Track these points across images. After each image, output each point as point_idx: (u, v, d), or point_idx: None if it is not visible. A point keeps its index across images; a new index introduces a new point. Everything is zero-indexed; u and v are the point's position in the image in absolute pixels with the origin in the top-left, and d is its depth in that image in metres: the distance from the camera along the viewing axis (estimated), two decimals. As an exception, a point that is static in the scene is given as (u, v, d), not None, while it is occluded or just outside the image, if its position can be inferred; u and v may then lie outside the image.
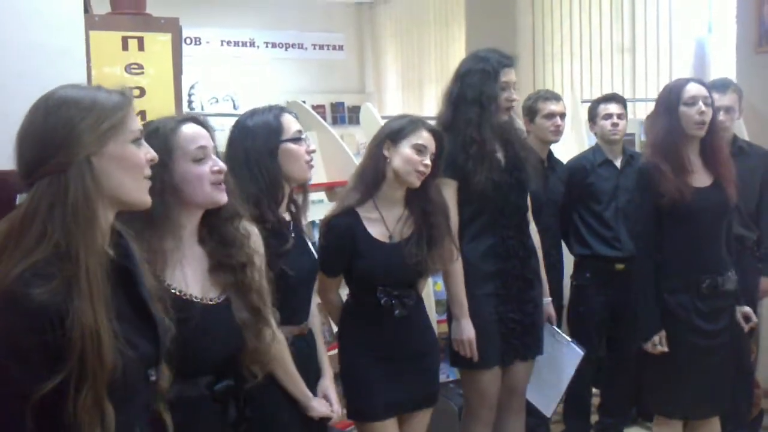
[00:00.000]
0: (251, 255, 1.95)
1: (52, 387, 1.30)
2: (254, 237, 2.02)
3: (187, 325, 1.74)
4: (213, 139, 1.94)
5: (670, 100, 2.99)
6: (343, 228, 2.58)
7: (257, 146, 2.27)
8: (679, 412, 3.07)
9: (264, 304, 1.95)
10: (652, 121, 3.13)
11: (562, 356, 3.27)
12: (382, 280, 2.60)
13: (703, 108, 2.93)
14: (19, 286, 1.31)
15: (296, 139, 2.31)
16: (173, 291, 1.81)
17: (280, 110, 2.34)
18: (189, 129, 1.88)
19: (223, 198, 1.88)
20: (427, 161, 2.60)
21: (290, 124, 2.32)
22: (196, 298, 1.84)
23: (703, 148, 3.00)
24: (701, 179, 2.98)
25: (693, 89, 2.96)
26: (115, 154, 1.43)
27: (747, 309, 3.12)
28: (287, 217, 2.36)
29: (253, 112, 2.35)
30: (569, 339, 3.32)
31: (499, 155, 3.00)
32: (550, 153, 3.90)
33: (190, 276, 1.86)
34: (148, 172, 1.50)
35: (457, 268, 2.91)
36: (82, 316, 1.31)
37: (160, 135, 1.83)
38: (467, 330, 2.92)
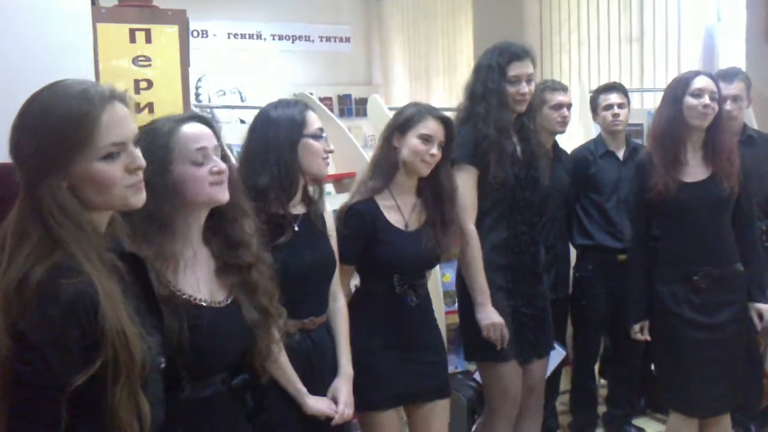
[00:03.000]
0: (257, 254, 1.94)
1: (87, 380, 1.32)
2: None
3: (199, 331, 1.75)
4: (217, 136, 1.90)
5: (677, 90, 2.98)
6: (364, 214, 2.59)
7: (279, 137, 2.28)
8: (695, 408, 3.04)
9: (271, 302, 1.95)
10: (656, 112, 3.12)
11: None
12: (399, 268, 2.61)
13: (708, 101, 2.92)
14: (50, 279, 1.32)
15: (317, 136, 2.34)
16: (183, 297, 1.80)
17: (305, 106, 2.36)
18: (189, 129, 1.85)
19: (224, 196, 1.85)
20: (434, 150, 2.60)
21: (313, 121, 2.34)
22: (204, 302, 1.83)
23: (706, 141, 2.99)
24: (696, 173, 2.97)
25: (701, 82, 2.95)
26: (80, 174, 1.39)
27: (761, 306, 3.05)
28: (297, 210, 2.36)
29: (278, 104, 2.36)
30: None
31: (518, 151, 3.00)
32: (556, 143, 3.89)
33: (198, 279, 1.85)
34: (130, 180, 1.44)
35: (476, 254, 2.90)
36: (108, 314, 1.33)
37: (158, 137, 1.81)
38: (491, 314, 2.90)
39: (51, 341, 1.31)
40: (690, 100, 2.93)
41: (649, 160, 3.00)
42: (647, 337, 3.08)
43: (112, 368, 1.33)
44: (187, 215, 1.84)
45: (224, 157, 1.90)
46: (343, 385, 2.37)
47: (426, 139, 2.60)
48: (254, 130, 2.34)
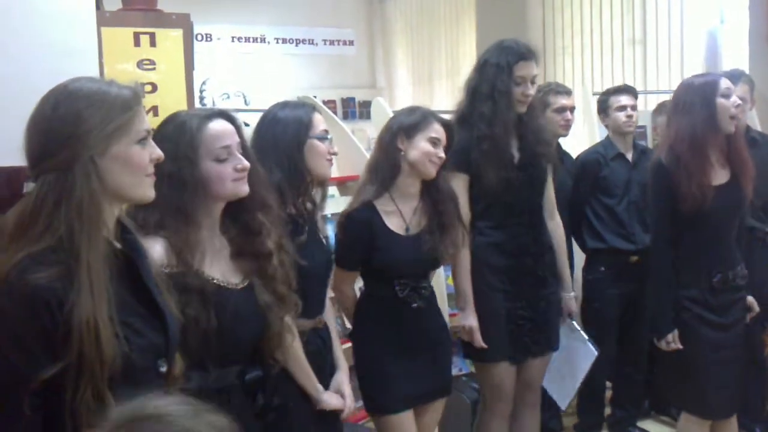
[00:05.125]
0: (277, 243, 2.00)
1: (51, 376, 1.31)
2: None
3: (224, 313, 1.81)
4: (240, 133, 1.97)
5: (706, 92, 2.91)
6: (363, 221, 2.62)
7: (287, 137, 2.33)
8: (712, 411, 3.03)
9: (289, 290, 2.01)
10: (680, 116, 2.97)
11: (578, 353, 3.26)
12: (400, 272, 2.64)
13: (738, 101, 2.92)
14: (17, 272, 1.33)
15: (322, 138, 2.38)
16: (212, 281, 1.86)
17: (312, 108, 2.43)
18: (216, 126, 1.91)
19: (244, 190, 1.93)
20: (441, 153, 2.68)
21: (319, 122, 2.40)
22: (222, 283, 1.88)
23: (725, 144, 2.97)
24: (719, 176, 2.96)
25: (727, 82, 2.94)
26: (118, 155, 1.44)
27: (749, 298, 3.10)
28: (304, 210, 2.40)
29: (285, 104, 2.43)
30: (587, 337, 3.31)
31: (514, 150, 2.99)
32: (559, 146, 3.90)
33: (215, 264, 1.90)
34: (151, 170, 1.51)
35: (464, 261, 2.95)
36: (82, 309, 1.33)
37: (186, 131, 1.87)
38: (468, 318, 2.97)
39: (9, 337, 1.32)
40: (722, 102, 2.89)
41: (677, 167, 2.89)
42: (679, 345, 2.96)
43: (76, 366, 1.33)
44: (210, 207, 1.91)
45: (245, 151, 1.97)
46: (345, 378, 2.47)
47: (435, 142, 2.66)
48: (261, 129, 2.39)
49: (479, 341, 2.95)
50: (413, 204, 2.71)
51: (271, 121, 2.38)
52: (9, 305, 1.32)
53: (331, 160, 2.42)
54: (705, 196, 2.86)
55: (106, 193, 1.43)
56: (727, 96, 2.90)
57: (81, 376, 1.33)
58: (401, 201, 2.69)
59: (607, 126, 4.03)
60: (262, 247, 1.95)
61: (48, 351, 1.32)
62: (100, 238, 1.41)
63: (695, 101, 2.93)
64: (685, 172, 2.87)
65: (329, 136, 2.43)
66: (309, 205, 2.42)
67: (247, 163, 1.93)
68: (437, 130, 2.68)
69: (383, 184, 2.67)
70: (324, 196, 2.49)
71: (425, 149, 2.65)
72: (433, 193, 2.73)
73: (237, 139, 1.94)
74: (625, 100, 3.89)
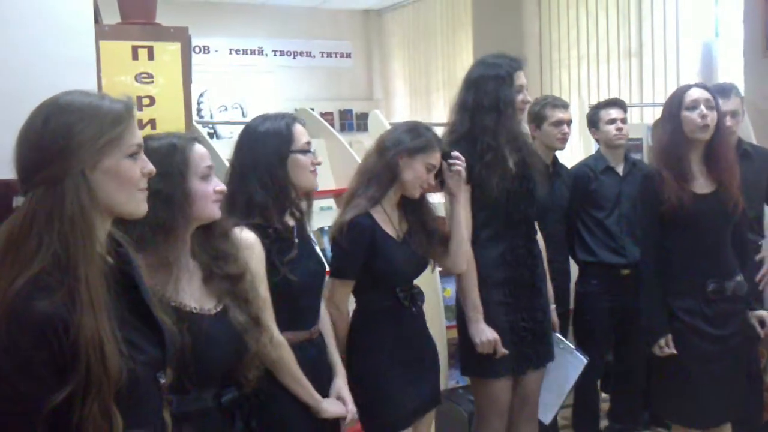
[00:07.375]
0: (245, 266, 2.00)
1: (64, 397, 1.31)
2: (257, 246, 2.12)
3: (198, 339, 1.80)
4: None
5: (672, 105, 3.00)
6: (367, 227, 2.61)
7: (267, 153, 2.32)
8: (695, 420, 3.04)
9: (261, 312, 2.01)
10: (658, 128, 3.12)
11: (566, 364, 3.25)
12: (400, 279, 2.66)
13: (705, 111, 2.92)
14: (21, 299, 1.31)
15: (305, 151, 2.37)
16: (183, 307, 1.85)
17: (291, 119, 2.40)
18: (199, 147, 1.96)
19: (218, 213, 1.96)
20: (432, 180, 2.71)
21: (300, 135, 2.38)
22: (195, 309, 1.88)
23: (706, 154, 3.00)
24: (703, 186, 2.99)
25: (695, 93, 2.96)
26: (109, 169, 1.44)
27: (762, 313, 3.09)
28: (291, 223, 2.39)
29: (264, 118, 2.40)
30: (573, 346, 3.31)
31: (510, 163, 3.01)
32: (555, 158, 3.91)
33: (189, 288, 1.90)
34: (143, 185, 1.51)
35: (471, 270, 2.92)
36: (85, 327, 1.32)
37: (177, 150, 1.89)
38: (485, 332, 2.90)
39: (19, 367, 1.30)
40: (687, 114, 2.94)
41: (658, 173, 2.99)
42: (673, 350, 2.97)
43: (83, 381, 1.32)
44: (186, 228, 1.91)
45: None
46: (344, 384, 2.46)
47: (430, 169, 2.69)
48: (242, 146, 2.38)
49: (501, 351, 2.92)
50: (396, 212, 2.73)
51: (251, 137, 2.37)
52: (17, 334, 1.31)
53: (315, 171, 2.42)
54: (683, 202, 2.89)
55: (97, 207, 1.42)
56: (692, 108, 2.94)
57: (88, 393, 1.33)
58: (390, 209, 2.70)
59: (597, 139, 4.04)
60: (233, 269, 1.96)
61: (57, 376, 1.32)
62: (96, 252, 1.40)
63: (665, 115, 3.04)
64: (665, 180, 2.94)
65: (311, 148, 2.42)
66: (297, 217, 2.42)
67: (224, 186, 1.97)
68: (437, 158, 2.70)
69: (381, 192, 2.66)
70: (310, 207, 2.47)
71: (420, 173, 2.66)
72: (409, 201, 2.75)
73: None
74: (614, 113, 3.91)
